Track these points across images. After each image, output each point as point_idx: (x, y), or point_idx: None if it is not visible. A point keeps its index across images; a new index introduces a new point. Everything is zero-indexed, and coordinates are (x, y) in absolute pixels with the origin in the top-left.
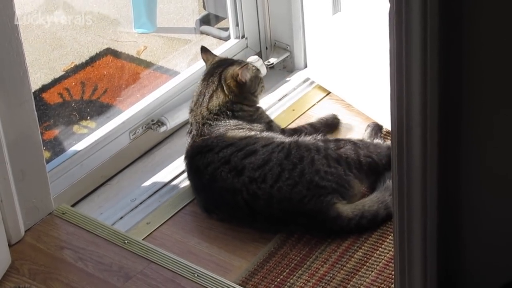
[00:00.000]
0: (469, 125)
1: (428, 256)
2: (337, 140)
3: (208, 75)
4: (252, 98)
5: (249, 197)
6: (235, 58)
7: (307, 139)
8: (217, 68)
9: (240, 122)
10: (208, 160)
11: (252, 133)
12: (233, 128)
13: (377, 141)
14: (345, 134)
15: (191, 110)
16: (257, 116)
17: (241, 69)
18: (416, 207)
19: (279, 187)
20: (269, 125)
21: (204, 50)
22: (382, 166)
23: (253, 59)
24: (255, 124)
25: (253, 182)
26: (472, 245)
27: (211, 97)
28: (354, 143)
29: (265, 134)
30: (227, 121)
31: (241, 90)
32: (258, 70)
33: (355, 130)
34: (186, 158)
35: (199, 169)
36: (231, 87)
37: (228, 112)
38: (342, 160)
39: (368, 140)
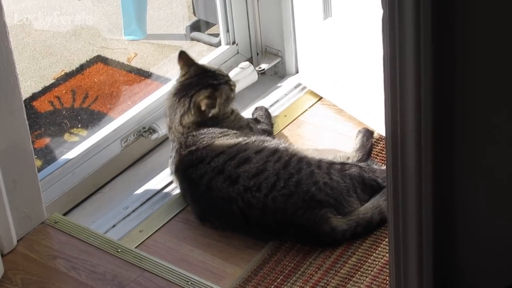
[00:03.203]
0: (463, 130)
1: (423, 262)
2: (343, 164)
3: (180, 92)
4: (221, 118)
5: (244, 205)
6: (227, 63)
7: (313, 157)
8: (190, 88)
9: (225, 129)
10: (201, 172)
11: (240, 139)
12: (219, 136)
13: (385, 167)
14: (336, 140)
15: (169, 128)
16: (234, 119)
17: (202, 100)
18: (411, 212)
19: (274, 196)
20: (249, 126)
21: (182, 56)
22: None
23: (244, 65)
24: (235, 131)
25: (248, 190)
26: (468, 249)
27: (182, 115)
28: (360, 167)
29: (253, 138)
30: (210, 129)
31: (206, 116)
32: (231, 90)
33: (347, 135)
34: (176, 172)
35: (194, 181)
36: (199, 113)
37: (204, 125)
38: (347, 179)
39: (375, 166)
